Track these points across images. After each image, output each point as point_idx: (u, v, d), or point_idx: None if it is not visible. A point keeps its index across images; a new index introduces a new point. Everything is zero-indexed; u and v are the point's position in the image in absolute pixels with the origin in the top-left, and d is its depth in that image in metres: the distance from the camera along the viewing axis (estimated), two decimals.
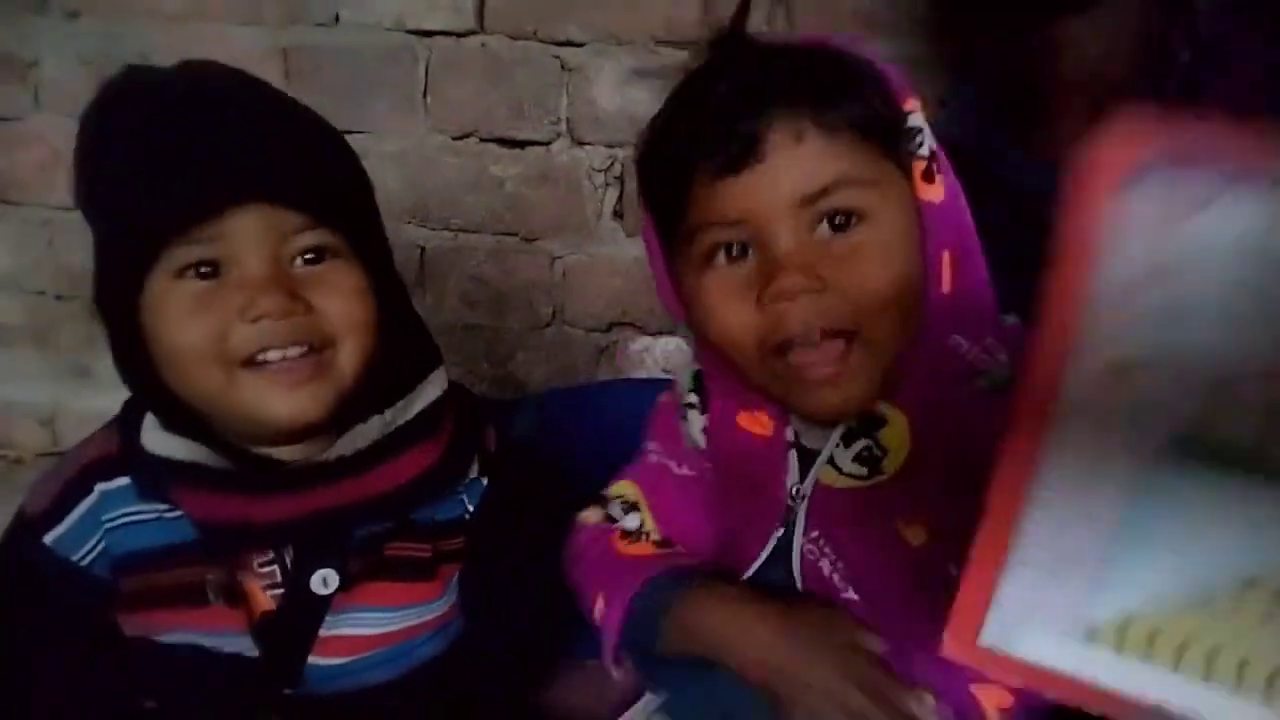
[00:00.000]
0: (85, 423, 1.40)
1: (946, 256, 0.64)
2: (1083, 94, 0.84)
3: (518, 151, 1.25)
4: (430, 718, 0.72)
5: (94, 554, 0.69)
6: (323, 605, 0.68)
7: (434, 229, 1.28)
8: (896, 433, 0.66)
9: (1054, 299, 0.41)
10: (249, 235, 0.61)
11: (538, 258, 1.27)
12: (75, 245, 1.35)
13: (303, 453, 0.68)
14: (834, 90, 0.61)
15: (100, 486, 0.69)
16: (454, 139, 1.25)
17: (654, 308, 1.24)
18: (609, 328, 1.28)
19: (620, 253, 1.26)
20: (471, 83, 1.23)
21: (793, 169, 0.60)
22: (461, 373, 1.29)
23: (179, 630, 0.68)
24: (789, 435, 0.70)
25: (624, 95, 1.21)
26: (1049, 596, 0.43)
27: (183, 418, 0.66)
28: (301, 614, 0.68)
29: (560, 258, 1.27)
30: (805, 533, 0.68)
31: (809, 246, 0.61)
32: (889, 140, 0.63)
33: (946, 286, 0.64)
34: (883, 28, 1.12)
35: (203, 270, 0.62)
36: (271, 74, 1.26)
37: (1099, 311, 0.40)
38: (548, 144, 1.24)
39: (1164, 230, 0.38)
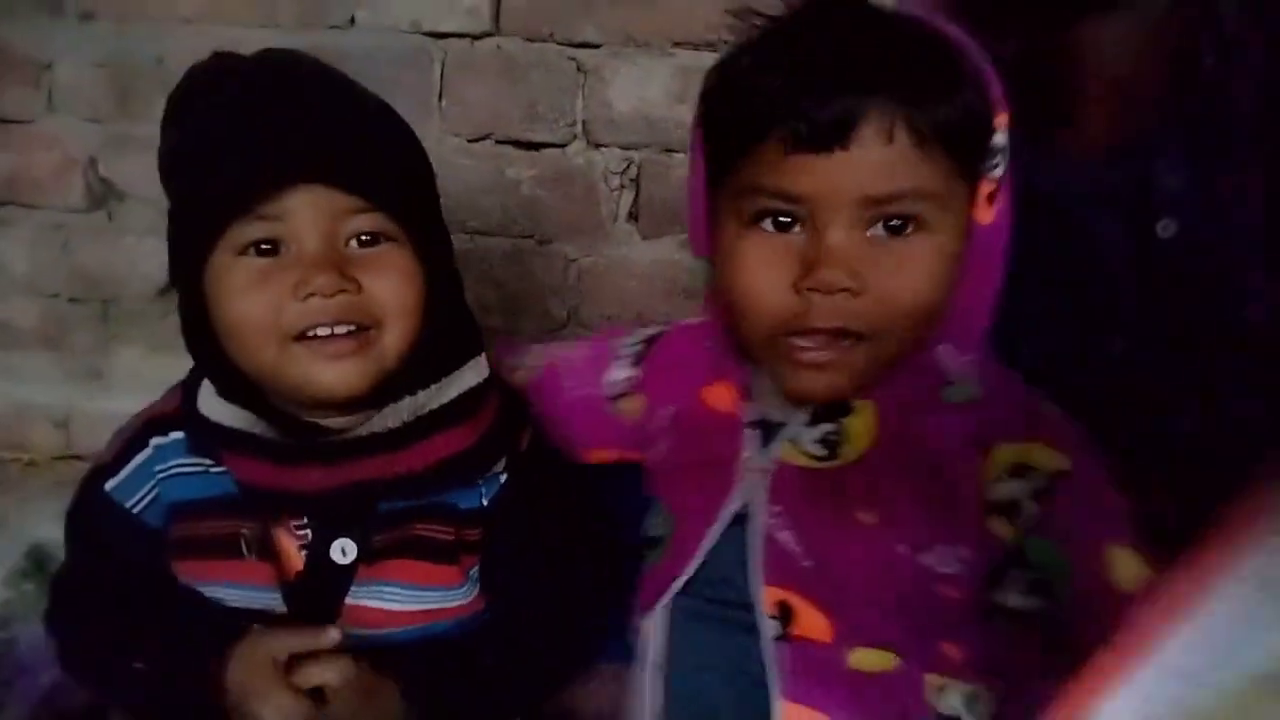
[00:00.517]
0: (99, 425, 1.40)
1: (973, 275, 0.65)
2: (1106, 98, 0.83)
3: (533, 154, 1.24)
4: (450, 685, 0.73)
5: (146, 501, 0.74)
6: (344, 574, 0.71)
7: (450, 231, 1.27)
8: (862, 423, 0.67)
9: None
10: (306, 215, 0.64)
11: (553, 260, 1.27)
12: (89, 248, 1.35)
13: (347, 423, 0.71)
14: (938, 90, 0.59)
15: (155, 440, 0.74)
16: (469, 141, 1.25)
17: (669, 311, 1.23)
18: None
19: (636, 255, 1.25)
20: (487, 85, 1.23)
21: (872, 167, 0.58)
22: None
23: (215, 581, 0.72)
24: (749, 414, 0.71)
25: (640, 97, 1.21)
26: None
27: (238, 386, 0.70)
28: (324, 580, 0.71)
29: (575, 260, 1.26)
30: (768, 505, 0.68)
31: (859, 244, 0.60)
32: (970, 154, 0.61)
33: (959, 300, 0.65)
34: None
35: (263, 248, 0.65)
36: None
37: None
38: (563, 146, 1.23)
39: None
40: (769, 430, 0.70)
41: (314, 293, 0.64)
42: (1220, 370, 0.80)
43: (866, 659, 0.66)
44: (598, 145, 1.22)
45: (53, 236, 1.36)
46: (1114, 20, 0.77)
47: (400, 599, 0.71)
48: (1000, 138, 0.63)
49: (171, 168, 0.70)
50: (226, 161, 0.65)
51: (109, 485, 0.74)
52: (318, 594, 0.71)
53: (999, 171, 0.63)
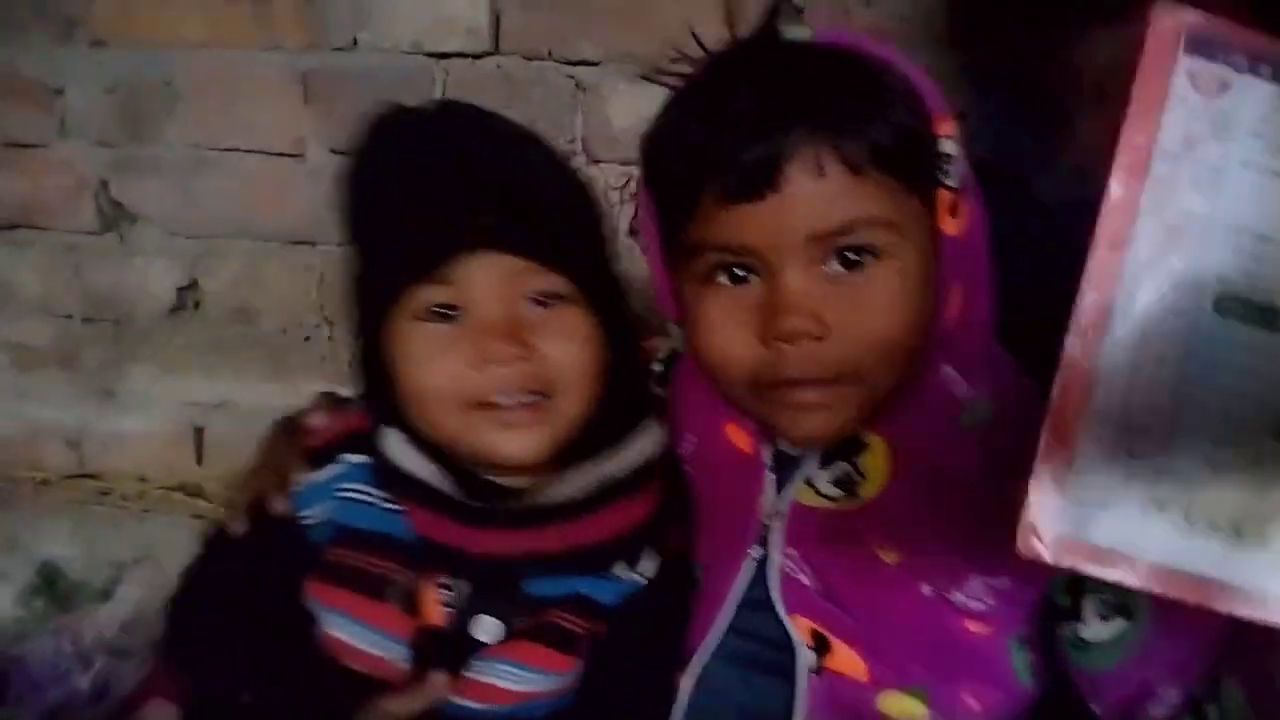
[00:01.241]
0: (111, 444, 1.42)
1: (958, 289, 0.62)
2: (1107, 104, 0.84)
3: None
4: None
5: (319, 518, 0.72)
6: (476, 648, 0.70)
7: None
8: (876, 459, 0.65)
9: (1123, 157, 0.45)
10: (484, 280, 0.64)
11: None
12: (101, 269, 1.38)
13: (527, 483, 0.71)
14: (862, 115, 0.57)
15: (345, 458, 0.73)
16: None
17: (672, 326, 1.24)
18: None
19: (636, 269, 1.25)
20: (487, 103, 1.23)
21: (810, 204, 0.56)
22: None
23: (347, 613, 0.70)
24: (766, 457, 0.69)
25: (638, 113, 1.22)
26: (1121, 477, 0.45)
27: (422, 440, 0.70)
28: (456, 649, 0.70)
29: None
30: (783, 549, 0.67)
31: (817, 284, 0.58)
32: (916, 170, 0.59)
33: (950, 318, 0.62)
34: (898, 42, 1.13)
35: (442, 312, 0.65)
36: (291, 98, 1.28)
37: (1159, 169, 0.45)
38: None
39: (1200, 103, 0.44)
40: (785, 468, 0.68)
41: (493, 362, 0.64)
42: None
43: (897, 705, 0.64)
44: (597, 161, 1.23)
45: (65, 258, 1.38)
46: (1113, 30, 0.78)
47: (515, 679, 0.70)
48: (948, 145, 0.60)
49: (354, 226, 0.70)
50: (404, 226, 0.65)
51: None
52: (442, 659, 0.70)
53: (954, 179, 0.60)
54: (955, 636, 0.63)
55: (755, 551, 0.68)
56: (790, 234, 0.57)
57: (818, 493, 0.67)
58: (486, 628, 0.70)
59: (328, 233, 1.31)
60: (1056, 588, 0.63)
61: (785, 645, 0.67)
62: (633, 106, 1.22)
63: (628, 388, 0.72)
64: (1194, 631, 0.57)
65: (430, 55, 1.24)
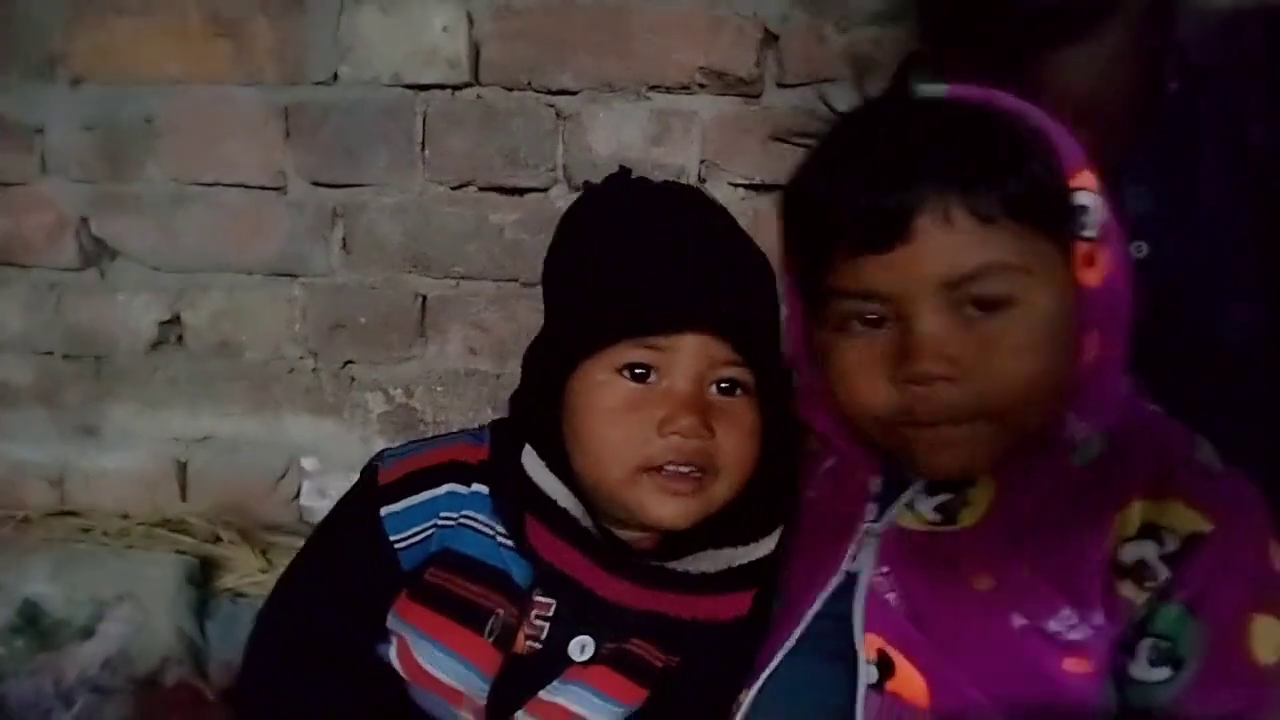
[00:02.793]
0: (93, 481, 1.41)
1: (1096, 336, 0.63)
2: (1075, 124, 0.85)
3: (516, 199, 1.26)
4: None
5: (415, 541, 0.73)
6: (562, 667, 0.71)
7: (436, 278, 1.30)
8: (982, 492, 0.66)
9: None
10: (688, 356, 0.67)
11: (538, 302, 1.26)
12: (82, 305, 1.37)
13: (645, 545, 0.72)
14: (991, 170, 0.58)
15: (451, 486, 0.73)
16: (453, 189, 1.27)
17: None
18: None
19: None
20: (468, 134, 1.26)
21: (939, 253, 0.58)
22: (466, 420, 1.30)
23: (436, 638, 0.70)
24: (874, 484, 0.70)
25: (618, 140, 1.23)
26: None
27: (566, 469, 0.71)
28: (542, 668, 0.71)
29: None
30: (876, 566, 0.67)
31: (950, 328, 0.59)
32: (1049, 220, 0.60)
33: (1086, 364, 0.63)
34: (873, 67, 1.14)
35: (637, 371, 0.67)
36: (273, 132, 1.29)
37: None
38: (545, 190, 1.26)
39: None
40: (889, 491, 0.69)
41: (678, 432, 0.66)
42: (1196, 390, 0.80)
43: None
44: (579, 188, 1.24)
45: (46, 295, 1.38)
46: (1080, 48, 0.79)
47: (589, 706, 0.70)
48: (1084, 197, 0.61)
49: (567, 274, 0.72)
50: (634, 290, 0.67)
51: (385, 510, 0.73)
52: (524, 681, 0.70)
53: (1092, 229, 0.61)
54: (1046, 666, 0.62)
55: (849, 565, 0.68)
56: (919, 281, 0.59)
57: (918, 516, 0.67)
58: (582, 648, 0.71)
59: (309, 265, 1.32)
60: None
61: (845, 658, 0.66)
62: (614, 134, 1.24)
63: (774, 487, 0.74)
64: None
65: (410, 87, 1.26)
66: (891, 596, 0.66)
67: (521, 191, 1.26)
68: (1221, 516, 0.60)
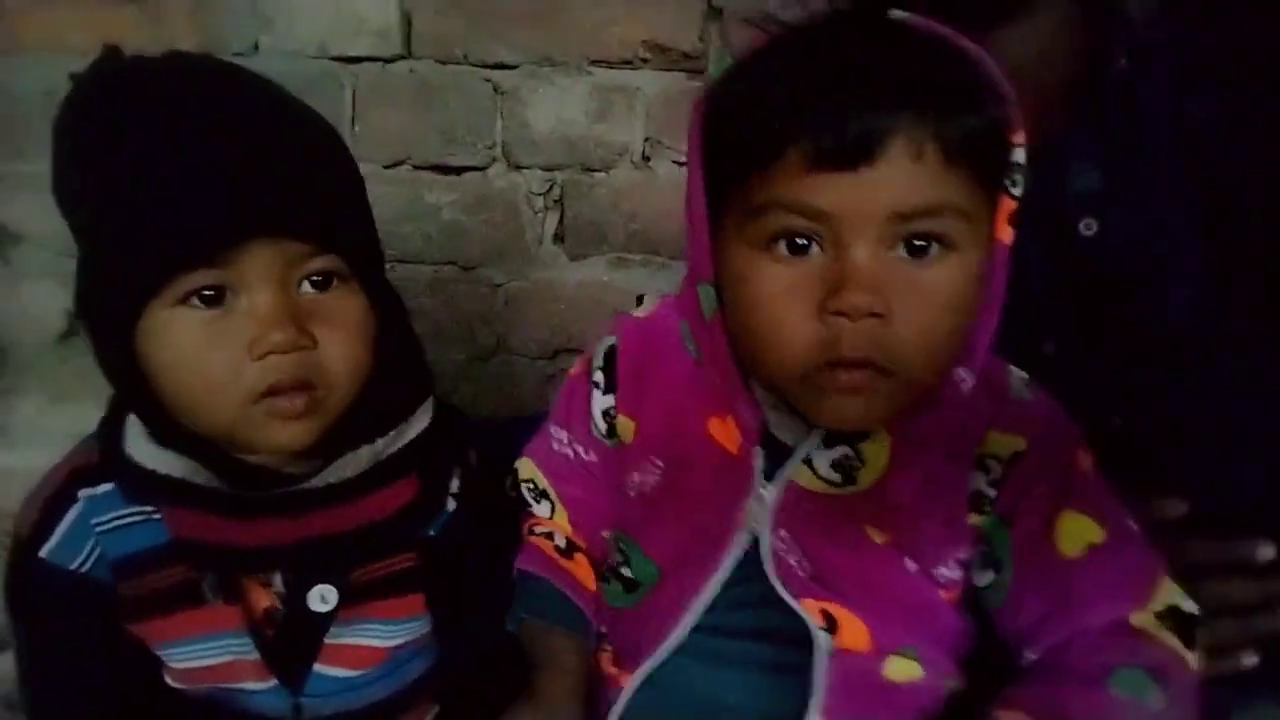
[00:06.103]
0: (1, 481, 1.33)
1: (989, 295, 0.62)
2: (1021, 100, 0.85)
3: (453, 178, 1.22)
4: None
5: (91, 560, 0.68)
6: (325, 618, 0.70)
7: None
8: (878, 448, 0.66)
9: None
10: (260, 266, 0.60)
11: (478, 286, 1.24)
12: None
13: (292, 465, 0.69)
14: (964, 104, 0.57)
15: (84, 493, 0.69)
16: (385, 168, 1.22)
17: (600, 333, 1.22)
18: (554, 355, 1.26)
19: (563, 277, 1.23)
20: (401, 109, 1.20)
21: (901, 181, 0.55)
22: None
23: (181, 638, 0.68)
24: (756, 456, 0.68)
25: (559, 117, 1.20)
26: None
27: (174, 432, 0.66)
28: (304, 626, 0.70)
29: (501, 285, 1.24)
30: (774, 530, 0.67)
31: (885, 265, 0.57)
32: (992, 171, 0.59)
33: (978, 324, 0.62)
34: None
35: (206, 295, 0.61)
36: None
37: None
38: (484, 169, 1.21)
39: None
40: (776, 453, 0.68)
41: (271, 350, 0.61)
42: (1144, 366, 0.81)
43: (899, 668, 0.65)
44: (519, 167, 1.21)
45: None
46: (1025, 23, 0.78)
47: (380, 635, 0.71)
48: (1019, 154, 0.60)
49: (87, 208, 0.62)
50: (169, 213, 0.59)
51: (44, 552, 0.68)
52: (294, 639, 0.69)
53: (1019, 190, 0.60)
54: (933, 604, 0.67)
55: (743, 539, 0.67)
56: (874, 209, 0.56)
57: (816, 475, 0.66)
58: (323, 597, 0.70)
59: None
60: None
61: (783, 634, 0.66)
62: (553, 110, 1.20)
63: (403, 371, 0.72)
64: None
65: (337, 60, 1.20)
66: (792, 559, 0.66)
67: (459, 170, 1.21)
68: (1033, 433, 0.66)
